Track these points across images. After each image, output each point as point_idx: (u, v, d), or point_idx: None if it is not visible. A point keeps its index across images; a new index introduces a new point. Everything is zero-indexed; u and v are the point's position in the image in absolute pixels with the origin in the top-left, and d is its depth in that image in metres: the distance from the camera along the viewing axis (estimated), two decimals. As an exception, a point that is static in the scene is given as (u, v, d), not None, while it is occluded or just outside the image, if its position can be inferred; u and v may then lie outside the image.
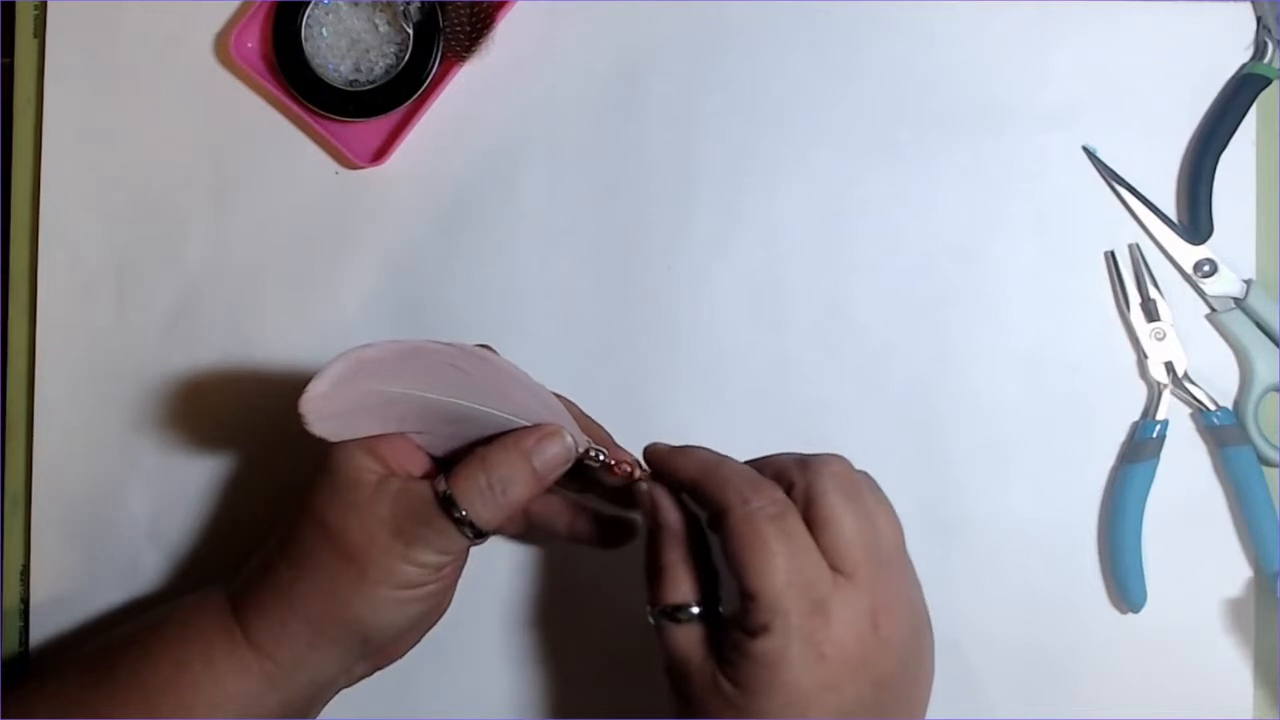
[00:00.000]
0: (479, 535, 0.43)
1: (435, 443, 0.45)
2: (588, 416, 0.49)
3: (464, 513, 0.42)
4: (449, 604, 0.50)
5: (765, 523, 0.39)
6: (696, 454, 0.44)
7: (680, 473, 0.43)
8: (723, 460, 0.43)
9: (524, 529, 0.51)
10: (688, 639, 0.41)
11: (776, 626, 0.38)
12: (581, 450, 0.45)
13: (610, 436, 0.49)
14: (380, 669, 0.49)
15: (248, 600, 0.45)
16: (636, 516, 0.49)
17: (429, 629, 0.50)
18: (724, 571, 0.41)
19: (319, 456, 0.45)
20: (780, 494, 0.40)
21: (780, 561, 0.39)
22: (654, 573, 0.43)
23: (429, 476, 0.44)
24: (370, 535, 0.43)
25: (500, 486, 0.43)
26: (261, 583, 0.45)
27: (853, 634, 0.39)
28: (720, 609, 0.42)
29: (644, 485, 0.44)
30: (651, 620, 0.42)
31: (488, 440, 0.44)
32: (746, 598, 0.39)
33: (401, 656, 0.50)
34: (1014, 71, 0.54)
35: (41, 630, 0.55)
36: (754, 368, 0.55)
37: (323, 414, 0.43)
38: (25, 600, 0.56)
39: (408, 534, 0.43)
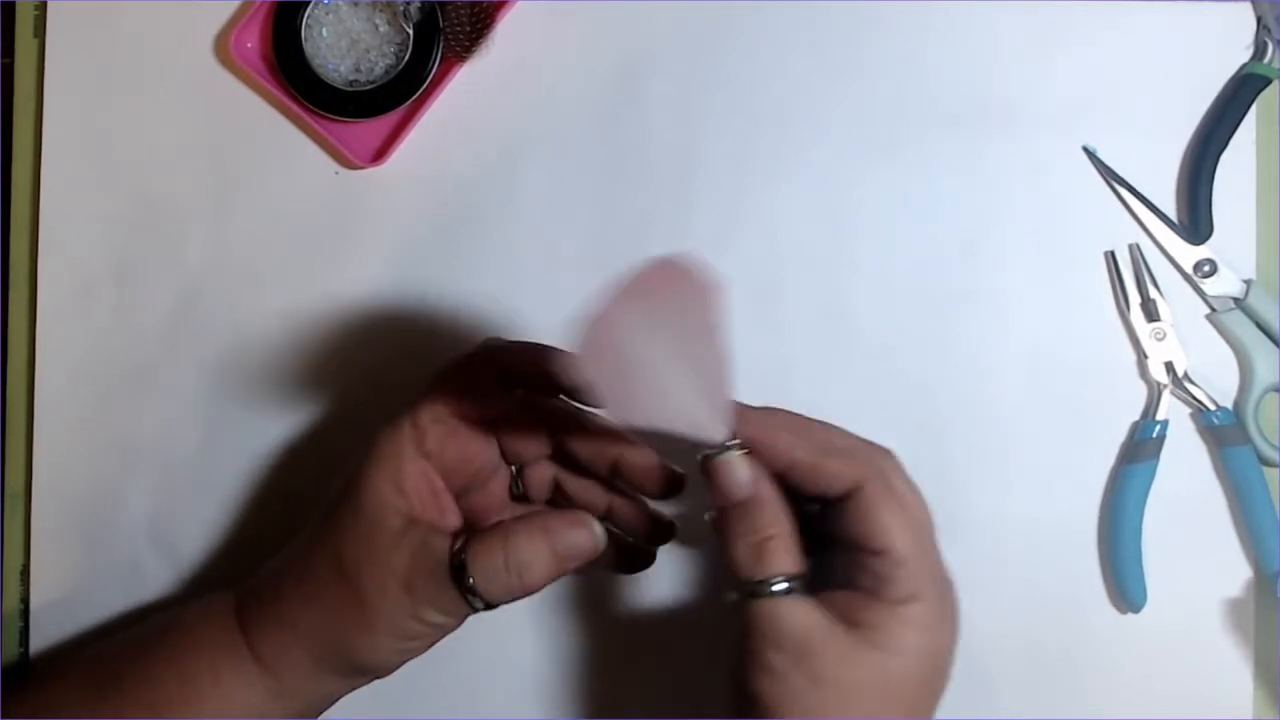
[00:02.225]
0: (487, 608, 0.42)
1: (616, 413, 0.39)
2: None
3: (474, 584, 0.41)
4: None
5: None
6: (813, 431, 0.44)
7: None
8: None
9: None
10: (803, 608, 0.39)
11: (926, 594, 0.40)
12: (602, 546, 0.43)
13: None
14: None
15: (255, 615, 0.45)
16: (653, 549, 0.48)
17: None
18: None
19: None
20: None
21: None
22: (751, 545, 0.40)
23: (451, 528, 0.44)
24: (382, 584, 0.42)
25: (517, 570, 0.42)
26: (270, 601, 0.45)
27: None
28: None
29: (732, 454, 0.41)
30: (738, 596, 0.40)
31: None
32: (886, 562, 0.40)
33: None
34: (1014, 71, 0.54)
35: (41, 630, 0.55)
36: (754, 368, 0.55)
37: (603, 344, 0.37)
38: (25, 600, 0.56)
39: (418, 591, 0.42)
